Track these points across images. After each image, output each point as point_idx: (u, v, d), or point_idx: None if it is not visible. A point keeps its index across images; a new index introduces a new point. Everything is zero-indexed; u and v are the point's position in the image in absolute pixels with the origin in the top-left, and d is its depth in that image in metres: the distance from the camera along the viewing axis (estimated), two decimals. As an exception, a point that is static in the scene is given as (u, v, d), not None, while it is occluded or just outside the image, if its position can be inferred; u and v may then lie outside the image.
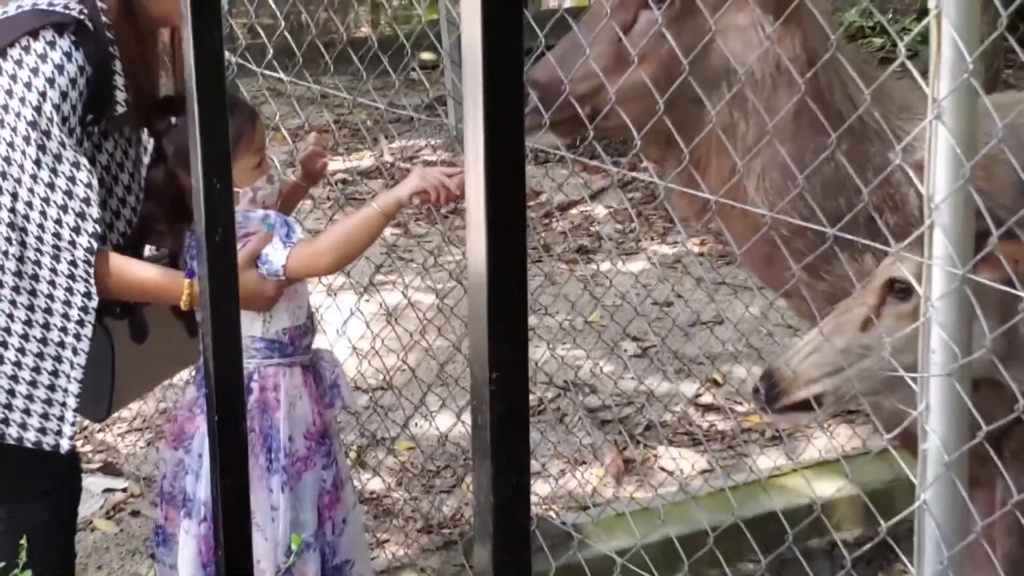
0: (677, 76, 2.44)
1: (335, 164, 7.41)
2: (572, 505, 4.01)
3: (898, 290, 2.18)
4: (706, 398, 4.76)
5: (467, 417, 4.31)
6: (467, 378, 4.50)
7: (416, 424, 4.41)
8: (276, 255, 2.74)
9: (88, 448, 4.37)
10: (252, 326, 2.83)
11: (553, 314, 4.87)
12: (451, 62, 7.73)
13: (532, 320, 4.91)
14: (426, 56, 8.44)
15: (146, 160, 2.84)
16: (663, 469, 4.25)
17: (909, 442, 2.06)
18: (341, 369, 3.00)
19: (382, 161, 7.59)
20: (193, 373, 2.97)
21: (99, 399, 2.84)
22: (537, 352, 4.79)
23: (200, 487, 2.82)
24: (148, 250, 3.03)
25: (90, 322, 2.63)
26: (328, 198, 6.65)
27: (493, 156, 1.32)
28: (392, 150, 7.78)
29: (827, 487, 3.77)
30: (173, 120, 2.74)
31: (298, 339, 2.90)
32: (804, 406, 2.26)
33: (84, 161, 2.60)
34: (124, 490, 4.13)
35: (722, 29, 2.46)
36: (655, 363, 4.90)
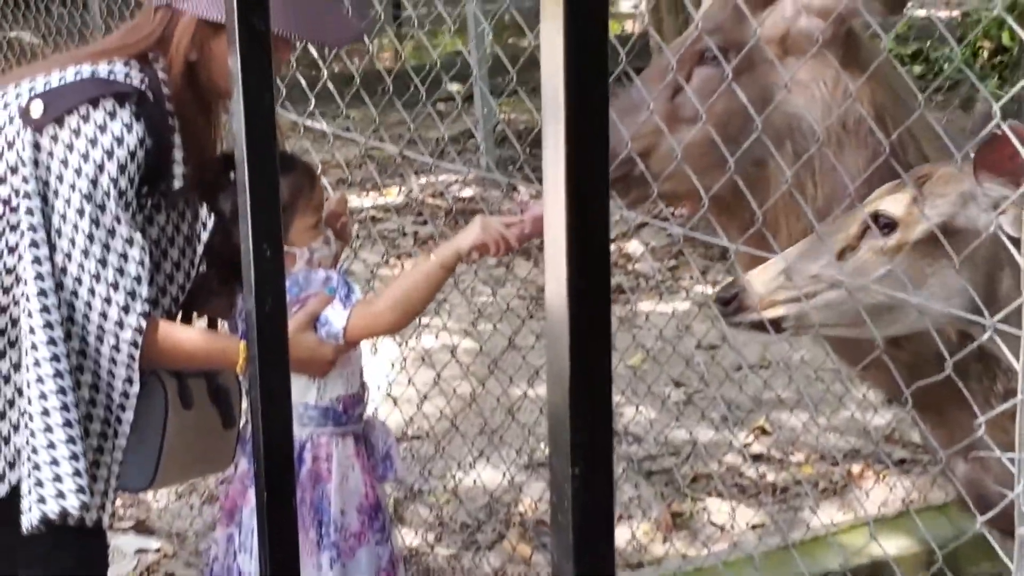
0: (733, 135, 2.40)
1: (365, 201, 7.40)
2: (620, 562, 3.95)
3: (882, 224, 2.18)
4: (755, 447, 4.69)
5: (515, 475, 4.29)
6: (503, 425, 4.47)
7: (455, 476, 4.35)
8: (336, 317, 2.69)
9: (119, 503, 4.32)
10: (306, 393, 2.78)
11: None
12: (481, 92, 7.72)
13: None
14: (453, 87, 8.44)
15: (204, 236, 2.77)
16: (713, 523, 4.18)
17: (991, 512, 1.99)
18: (394, 439, 2.94)
19: (411, 196, 7.56)
20: (241, 447, 2.90)
21: (146, 463, 2.76)
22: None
23: (254, 564, 2.77)
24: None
25: (131, 407, 2.56)
26: (358, 235, 6.62)
27: (576, 211, 1.26)
28: (421, 185, 7.74)
29: (889, 545, 3.68)
30: (232, 175, 2.70)
31: (352, 407, 2.85)
32: (763, 325, 2.28)
33: (138, 237, 2.53)
34: (157, 550, 4.07)
35: (779, 84, 2.41)
36: (700, 410, 4.84)
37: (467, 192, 7.69)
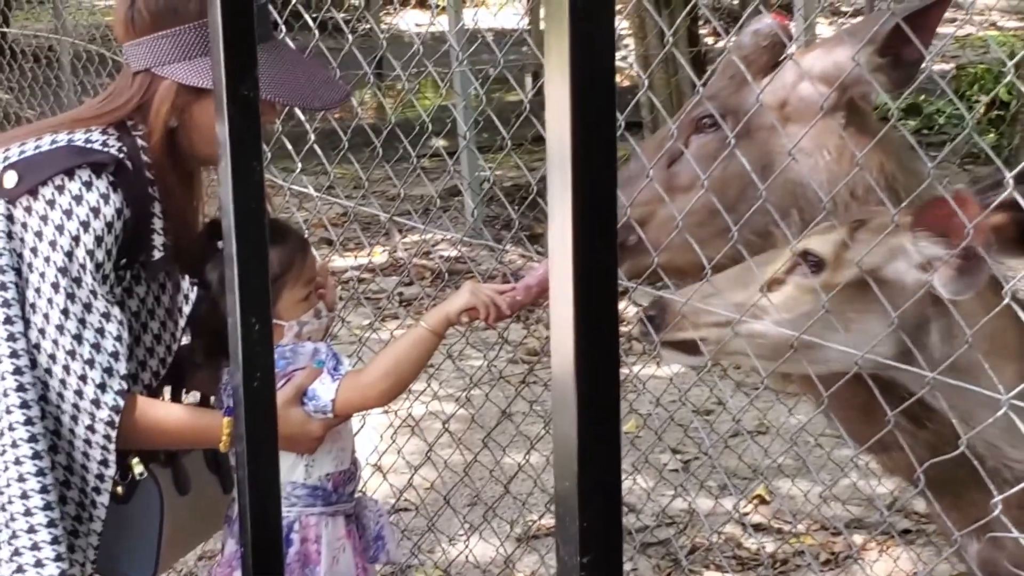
0: (731, 203, 2.41)
1: (346, 261, 7.39)
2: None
3: (811, 263, 2.26)
4: (755, 516, 4.66)
5: (508, 549, 4.25)
6: (496, 497, 4.44)
7: (445, 551, 4.31)
8: (324, 390, 2.66)
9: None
10: (293, 471, 2.75)
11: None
12: (469, 149, 7.73)
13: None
14: (439, 143, 8.44)
15: (187, 308, 2.74)
16: (712, 598, 4.15)
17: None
18: (387, 518, 2.91)
19: (396, 257, 7.54)
20: (228, 527, 2.87)
21: (146, 555, 2.72)
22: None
23: (245, 651, 2.72)
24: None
25: (106, 490, 2.53)
26: (340, 298, 6.59)
27: (584, 277, 1.24)
28: (406, 244, 7.73)
29: (894, 620, 3.65)
30: (220, 244, 2.68)
31: (342, 486, 2.81)
32: (686, 347, 2.36)
33: (116, 312, 2.49)
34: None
35: (782, 152, 2.42)
36: (696, 478, 4.80)
37: (454, 252, 7.68)
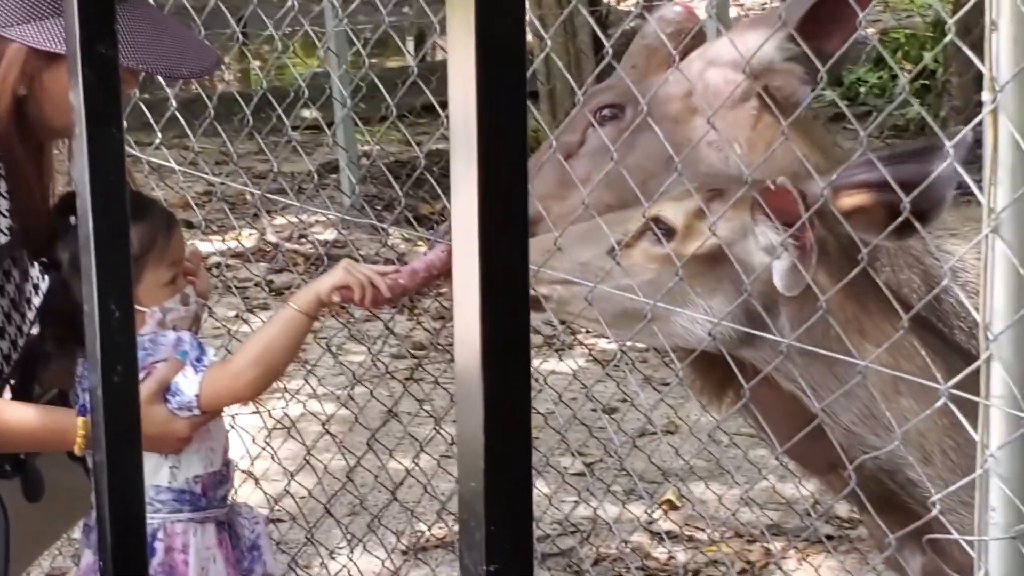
0: (630, 199, 2.45)
1: (209, 246, 7.31)
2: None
3: (661, 230, 2.34)
4: (664, 523, 4.69)
5: (395, 562, 4.24)
6: (382, 506, 4.43)
7: (325, 565, 4.29)
8: (187, 384, 2.63)
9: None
10: (156, 474, 2.71)
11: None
12: (347, 120, 7.68)
13: (450, 432, 4.82)
14: (310, 114, 8.38)
15: (36, 300, 2.68)
16: (617, 613, 4.18)
17: None
18: (263, 527, 2.88)
19: (265, 241, 7.49)
20: (84, 535, 2.83)
21: None
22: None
23: (102, 668, 2.69)
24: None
25: None
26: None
27: (491, 261, 1.24)
28: (276, 228, 7.67)
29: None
30: (73, 220, 2.63)
31: (212, 489, 2.78)
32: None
33: None
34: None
35: (687, 145, 2.46)
36: (601, 481, 4.83)
37: (330, 235, 7.64)
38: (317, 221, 7.58)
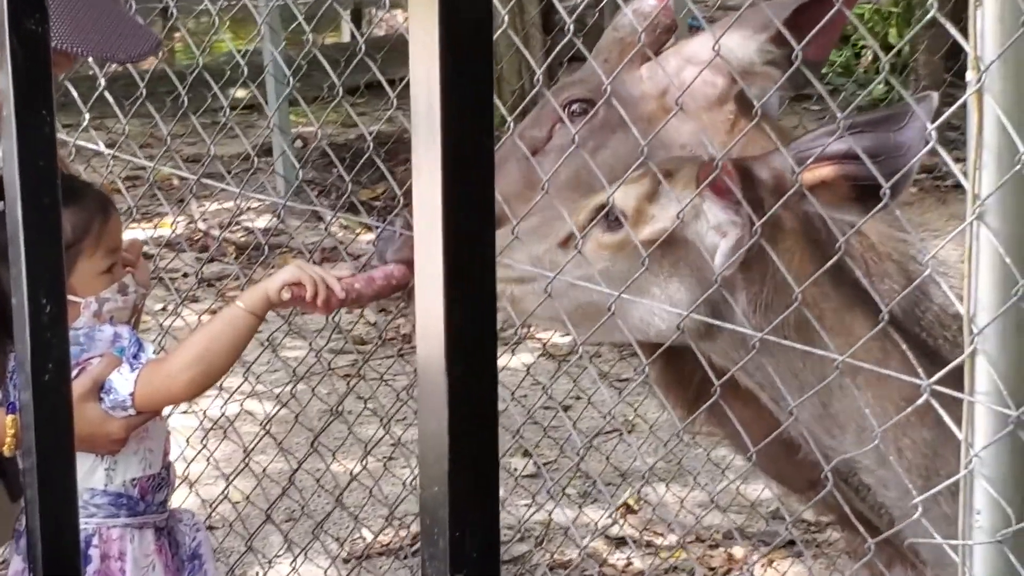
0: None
1: (138, 233, 7.27)
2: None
3: (611, 218, 2.34)
4: (620, 528, 4.70)
5: (338, 571, 4.23)
6: (324, 511, 4.41)
7: (261, 573, 4.28)
8: (122, 382, 2.62)
9: None
10: (91, 476, 2.70)
11: (411, 423, 4.78)
12: (276, 98, 7.65)
13: (395, 432, 4.82)
14: (239, 94, 8.35)
15: None
16: (571, 623, 4.19)
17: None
18: (205, 534, 2.88)
19: (194, 229, 7.45)
20: (14, 541, 2.81)
21: None
22: (405, 474, 4.71)
23: None
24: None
25: None
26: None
27: (455, 249, 1.24)
28: (205, 215, 7.63)
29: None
30: (0, 205, 2.60)
31: (150, 493, 2.77)
32: None
33: None
34: None
35: (660, 146, 2.48)
36: (554, 484, 4.84)
37: (263, 222, 7.61)
38: (250, 207, 7.54)
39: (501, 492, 4.65)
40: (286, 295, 2.68)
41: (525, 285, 2.40)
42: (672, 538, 4.61)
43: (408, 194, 2.78)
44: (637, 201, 2.32)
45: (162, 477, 2.81)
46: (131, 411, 2.64)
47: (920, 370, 1.98)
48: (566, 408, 5.39)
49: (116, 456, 2.71)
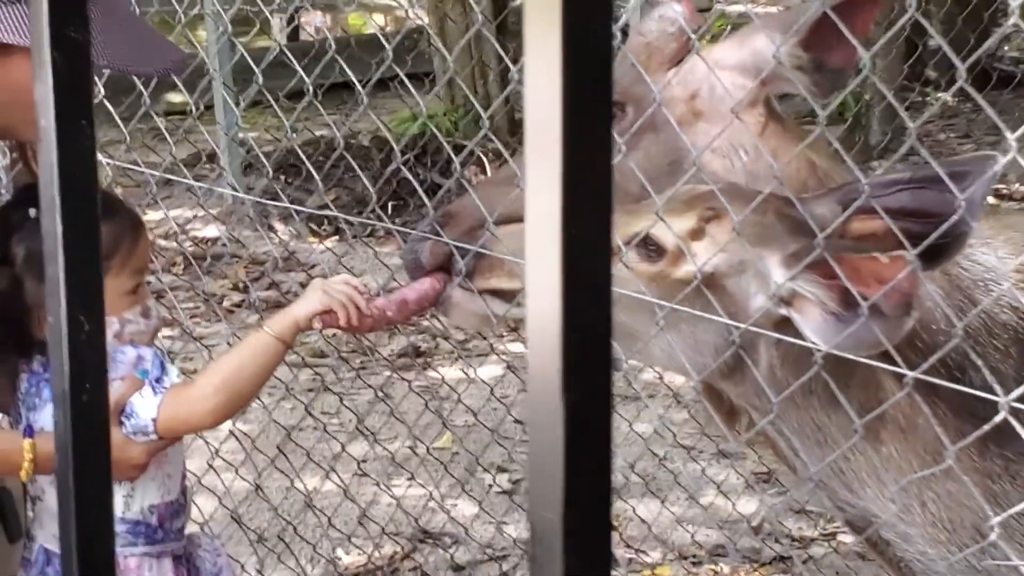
0: (624, 203, 2.47)
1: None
2: None
3: (649, 248, 2.34)
4: (601, 545, 4.70)
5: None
6: (289, 528, 4.37)
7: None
8: (144, 407, 2.59)
9: None
10: None
11: (386, 440, 4.76)
12: (227, 104, 7.60)
13: (362, 448, 4.81)
14: (175, 99, 8.28)
15: None
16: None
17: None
18: (226, 559, 2.85)
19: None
20: (23, 570, 2.76)
21: None
22: (379, 493, 4.70)
23: None
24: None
25: None
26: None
27: (574, 282, 1.24)
28: (149, 223, 7.57)
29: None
30: (32, 213, 2.56)
31: (169, 520, 2.75)
32: (505, 295, 2.53)
33: None
34: None
35: (691, 150, 2.49)
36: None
37: (210, 231, 7.57)
38: (196, 216, 7.50)
39: (475, 508, 4.67)
40: (317, 325, 2.68)
41: None
42: (656, 555, 4.62)
43: (435, 203, 2.78)
44: (679, 238, 2.30)
45: (180, 503, 2.79)
46: (152, 436, 2.61)
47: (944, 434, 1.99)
48: (535, 422, 5.39)
49: (134, 482, 2.69)
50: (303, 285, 6.84)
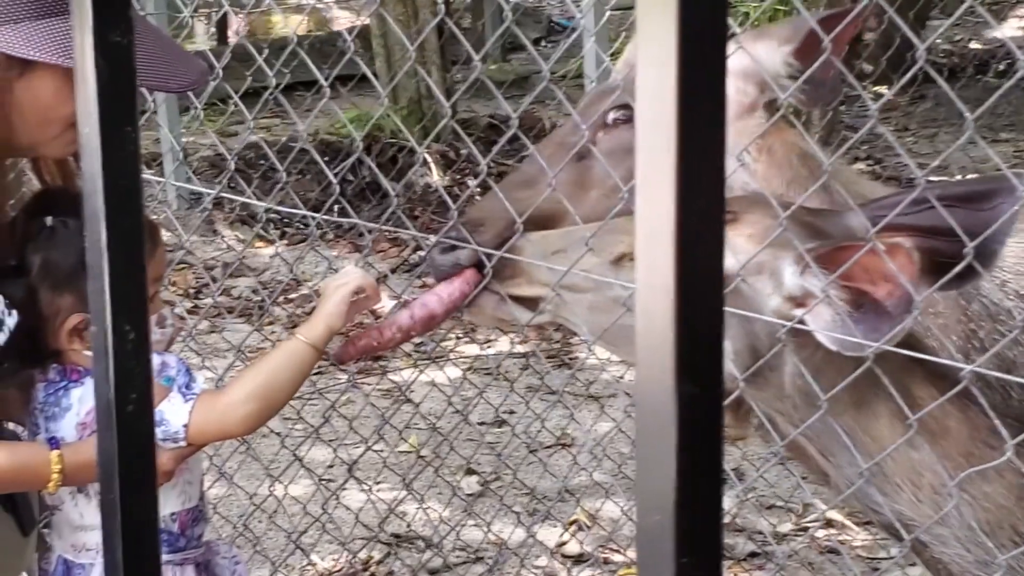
0: None
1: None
2: None
3: None
4: (572, 545, 4.72)
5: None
6: (257, 534, 4.34)
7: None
8: (175, 413, 2.57)
9: None
10: None
11: (350, 445, 4.74)
12: (169, 108, 7.56)
13: (326, 453, 4.79)
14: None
15: (9, 321, 2.58)
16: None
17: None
18: (244, 567, 2.85)
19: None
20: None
21: None
22: (348, 498, 4.68)
23: None
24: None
25: None
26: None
27: (687, 293, 1.25)
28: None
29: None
30: (48, 221, 2.53)
31: (190, 527, 2.74)
32: (529, 303, 2.56)
33: None
34: None
35: None
36: (502, 502, 4.83)
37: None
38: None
39: (446, 512, 4.67)
40: (341, 322, 2.69)
41: (577, 294, 2.42)
42: (631, 553, 4.63)
43: (462, 207, 2.78)
44: None
45: (199, 510, 2.78)
46: (182, 443, 2.60)
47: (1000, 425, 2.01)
48: (500, 423, 5.40)
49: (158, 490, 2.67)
50: (254, 291, 6.82)
